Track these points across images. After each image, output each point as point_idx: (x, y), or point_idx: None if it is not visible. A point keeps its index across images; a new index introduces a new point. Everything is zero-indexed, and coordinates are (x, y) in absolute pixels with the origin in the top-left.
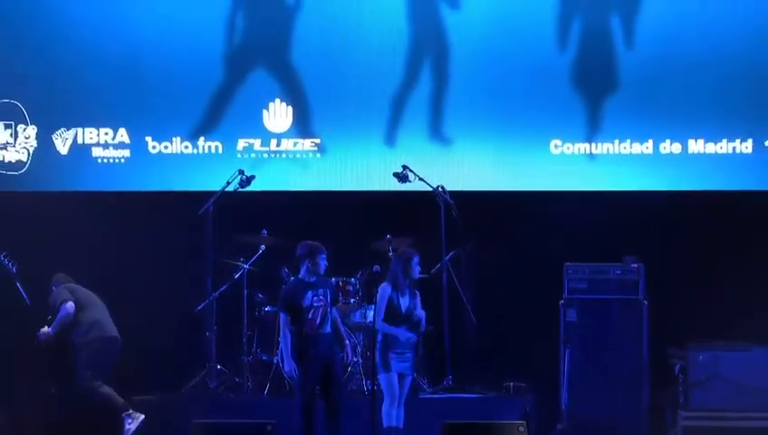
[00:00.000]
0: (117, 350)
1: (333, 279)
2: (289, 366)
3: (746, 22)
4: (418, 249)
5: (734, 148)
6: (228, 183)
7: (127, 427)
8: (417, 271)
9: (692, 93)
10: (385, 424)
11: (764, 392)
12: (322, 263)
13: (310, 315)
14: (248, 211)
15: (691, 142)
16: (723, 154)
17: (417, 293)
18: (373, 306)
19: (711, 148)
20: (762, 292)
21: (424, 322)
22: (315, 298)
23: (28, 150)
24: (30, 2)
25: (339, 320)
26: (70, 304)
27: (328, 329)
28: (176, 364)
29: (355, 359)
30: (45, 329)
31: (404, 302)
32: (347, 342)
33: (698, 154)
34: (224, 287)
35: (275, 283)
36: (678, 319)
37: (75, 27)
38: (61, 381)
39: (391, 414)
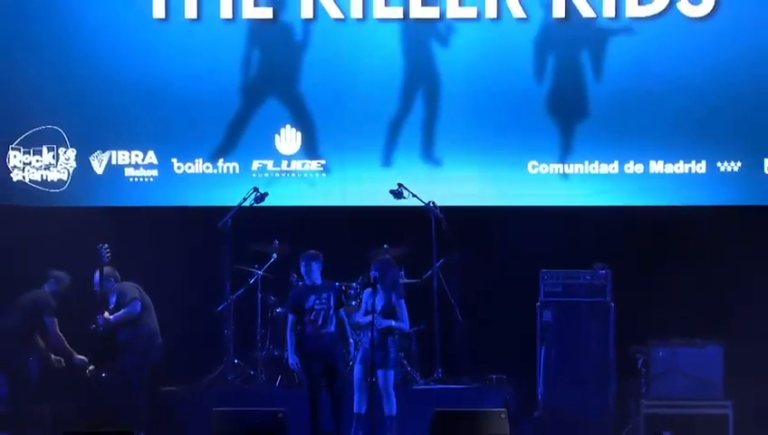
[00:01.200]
0: (160, 355)
1: (337, 284)
2: (292, 360)
3: (699, 60)
4: (411, 258)
5: (689, 168)
6: (244, 199)
7: None
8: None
9: (653, 121)
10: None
11: (715, 383)
12: (315, 269)
13: (312, 316)
14: (262, 224)
15: (652, 163)
16: (679, 174)
17: (393, 296)
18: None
19: (669, 168)
20: (714, 294)
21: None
22: (317, 301)
23: (68, 171)
24: (69, 38)
25: (345, 321)
26: (139, 304)
27: (330, 329)
28: (198, 359)
29: (357, 354)
30: (107, 316)
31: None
32: (351, 340)
33: (658, 174)
34: (240, 291)
35: (286, 287)
36: (641, 319)
37: (110, 60)
38: (108, 369)
39: (358, 401)
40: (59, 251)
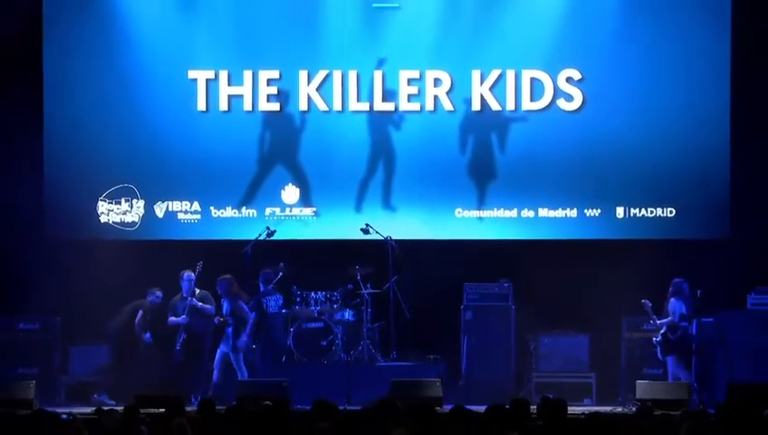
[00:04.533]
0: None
1: (321, 293)
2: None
3: (571, 140)
4: (375, 275)
5: (565, 214)
6: (260, 235)
7: None
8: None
9: (540, 181)
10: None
11: (583, 361)
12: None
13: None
14: (272, 252)
15: (540, 210)
16: (559, 217)
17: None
18: (347, 309)
19: (552, 213)
20: (584, 299)
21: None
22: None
23: (139, 215)
24: (139, 120)
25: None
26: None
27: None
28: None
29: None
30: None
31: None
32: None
33: (544, 217)
34: (254, 301)
35: (289, 297)
36: (532, 317)
37: (167, 137)
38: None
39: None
40: (132, 271)
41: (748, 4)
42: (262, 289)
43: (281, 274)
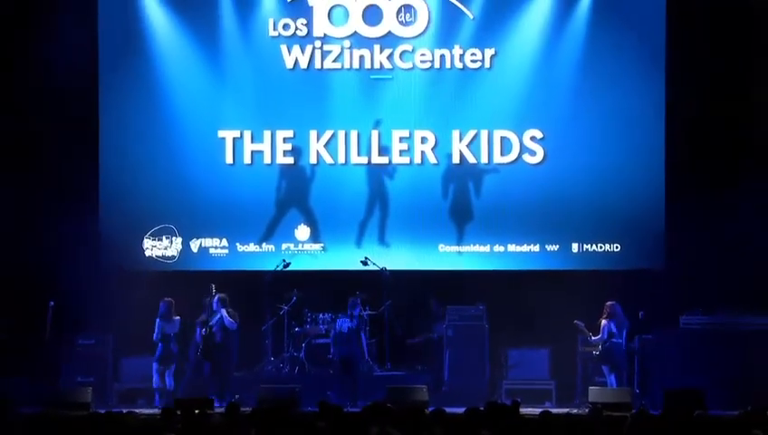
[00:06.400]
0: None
1: (328, 314)
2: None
3: (535, 188)
4: (372, 300)
5: (530, 249)
6: (277, 266)
7: None
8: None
9: (509, 222)
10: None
11: (545, 370)
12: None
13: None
14: (287, 280)
15: (509, 246)
16: (525, 252)
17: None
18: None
19: (519, 249)
20: (543, 319)
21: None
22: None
23: (177, 250)
24: (178, 170)
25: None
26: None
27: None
28: (251, 357)
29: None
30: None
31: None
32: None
33: (513, 251)
34: (275, 319)
35: (301, 317)
36: (502, 334)
37: (201, 186)
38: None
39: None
40: (171, 296)
41: (679, 62)
42: (215, 309)
43: (294, 298)
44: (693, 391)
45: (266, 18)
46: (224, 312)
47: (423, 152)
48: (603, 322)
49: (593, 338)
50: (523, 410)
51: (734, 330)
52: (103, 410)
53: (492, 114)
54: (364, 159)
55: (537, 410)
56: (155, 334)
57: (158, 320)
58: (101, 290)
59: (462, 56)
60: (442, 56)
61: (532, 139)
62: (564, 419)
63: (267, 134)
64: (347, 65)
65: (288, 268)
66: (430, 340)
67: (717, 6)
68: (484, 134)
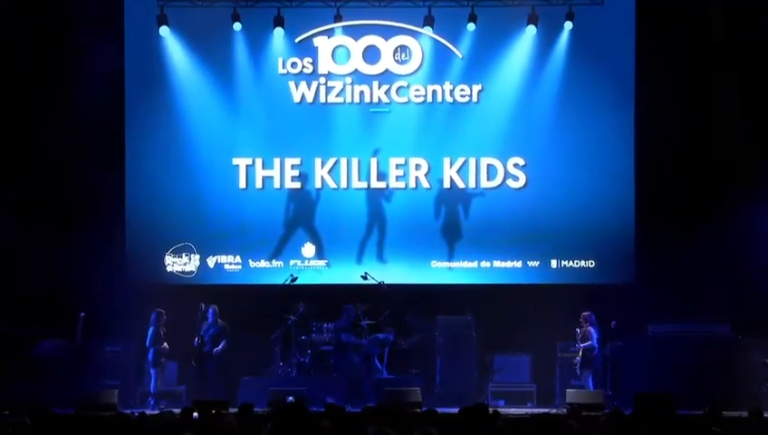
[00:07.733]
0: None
1: (331, 324)
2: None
3: (519, 209)
4: (372, 310)
5: (512, 265)
6: (286, 280)
7: None
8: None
9: (496, 240)
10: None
11: (527, 374)
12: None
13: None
14: (294, 293)
15: (495, 261)
16: (509, 267)
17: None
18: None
19: (503, 264)
20: (526, 328)
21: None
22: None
23: (195, 266)
24: (198, 196)
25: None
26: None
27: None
28: (261, 362)
29: None
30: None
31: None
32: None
33: (498, 267)
34: (282, 329)
35: (308, 328)
36: (489, 341)
37: (216, 208)
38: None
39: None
40: (189, 307)
41: (647, 95)
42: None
43: (301, 310)
44: (660, 395)
45: (276, 57)
46: (223, 344)
47: (417, 178)
48: (590, 329)
49: (582, 344)
50: (507, 411)
51: (695, 337)
52: (128, 410)
53: (479, 144)
54: (364, 184)
55: (521, 411)
56: (147, 341)
57: (150, 328)
58: (127, 302)
59: (452, 91)
60: (434, 91)
61: (516, 166)
62: (545, 418)
63: (277, 161)
64: (348, 100)
65: (295, 282)
66: (418, 344)
67: (683, 43)
68: (472, 161)
